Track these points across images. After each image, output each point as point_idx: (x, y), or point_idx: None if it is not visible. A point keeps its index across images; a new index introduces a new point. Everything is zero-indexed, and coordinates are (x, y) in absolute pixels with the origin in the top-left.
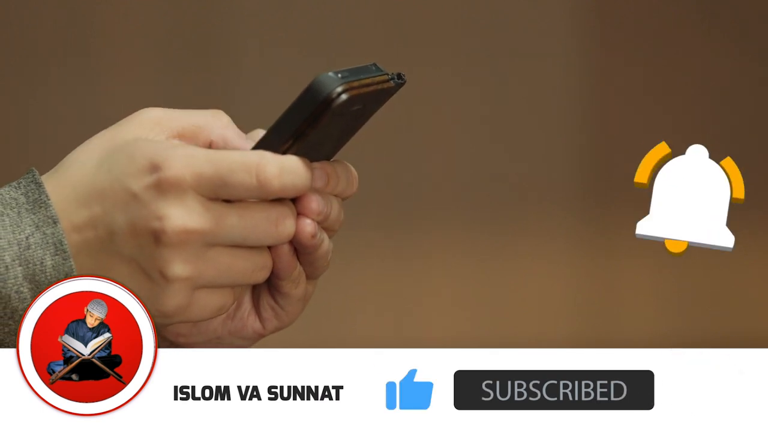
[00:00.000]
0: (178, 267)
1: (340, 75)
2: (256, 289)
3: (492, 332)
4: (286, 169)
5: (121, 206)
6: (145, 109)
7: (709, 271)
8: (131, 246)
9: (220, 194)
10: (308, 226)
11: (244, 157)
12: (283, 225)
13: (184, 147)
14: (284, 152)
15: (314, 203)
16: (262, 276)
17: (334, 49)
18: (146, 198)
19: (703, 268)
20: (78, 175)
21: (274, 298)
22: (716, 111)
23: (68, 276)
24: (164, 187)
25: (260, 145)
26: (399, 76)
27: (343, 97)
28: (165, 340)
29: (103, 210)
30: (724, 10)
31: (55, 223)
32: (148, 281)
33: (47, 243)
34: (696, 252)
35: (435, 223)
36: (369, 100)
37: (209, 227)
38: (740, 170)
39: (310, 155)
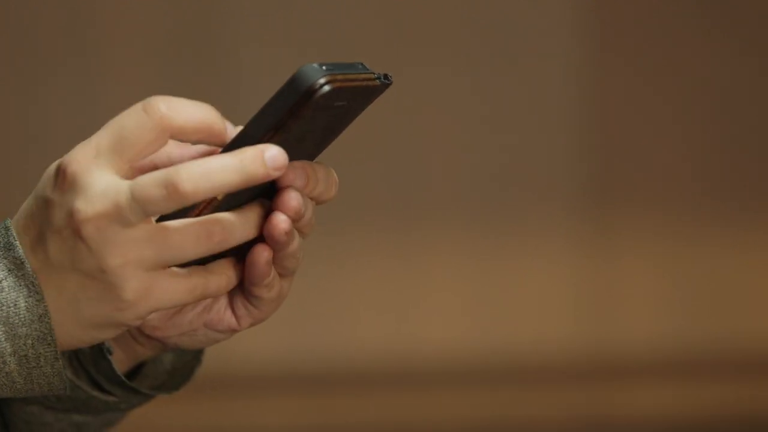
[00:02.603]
0: (110, 256)
1: (324, 67)
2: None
3: (492, 331)
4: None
5: (45, 220)
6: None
7: (709, 271)
8: (64, 255)
9: (125, 154)
10: (282, 222)
11: (133, 109)
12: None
13: (85, 142)
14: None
15: (294, 201)
16: (208, 248)
17: (334, 49)
18: (57, 200)
19: (703, 268)
20: (20, 212)
21: (248, 299)
22: (716, 111)
23: (41, 318)
24: (67, 184)
25: (240, 137)
26: (385, 76)
27: (326, 88)
28: (141, 335)
29: (36, 231)
30: (724, 10)
31: (22, 264)
32: (95, 283)
33: (20, 285)
34: (696, 252)
35: (435, 223)
36: (353, 96)
37: (110, 207)
38: (740, 170)
39: (291, 153)
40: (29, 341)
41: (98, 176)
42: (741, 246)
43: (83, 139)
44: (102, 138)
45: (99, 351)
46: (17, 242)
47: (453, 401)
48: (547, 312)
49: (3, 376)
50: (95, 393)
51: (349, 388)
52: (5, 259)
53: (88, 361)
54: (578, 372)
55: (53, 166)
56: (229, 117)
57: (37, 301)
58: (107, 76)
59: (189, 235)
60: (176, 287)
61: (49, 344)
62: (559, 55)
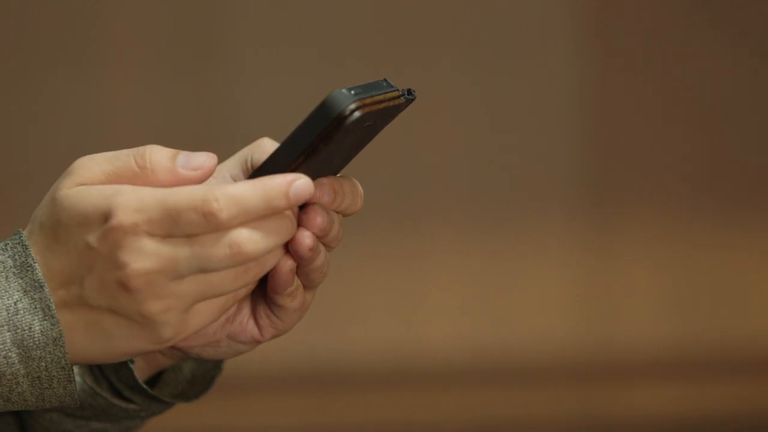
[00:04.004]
0: (153, 306)
1: (353, 92)
2: (254, 297)
3: (492, 332)
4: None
5: (84, 262)
6: (79, 159)
7: (709, 271)
8: (104, 298)
9: (174, 233)
10: (307, 238)
11: (190, 196)
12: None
13: (131, 191)
14: (295, 168)
15: (319, 218)
16: (245, 281)
17: (335, 50)
18: (104, 250)
19: (702, 268)
20: (42, 239)
21: (271, 309)
22: (716, 111)
23: (56, 341)
24: (118, 235)
25: (271, 161)
26: (409, 92)
27: (356, 114)
28: None
29: (69, 269)
30: (725, 10)
31: (41, 287)
32: (133, 324)
33: (35, 308)
34: (696, 252)
35: (435, 224)
36: (380, 116)
37: (166, 266)
38: (740, 170)
39: (319, 171)
40: (43, 364)
41: (150, 238)
42: (741, 246)
43: (83, 139)
44: (155, 212)
45: None
46: (36, 264)
47: (453, 401)
48: (547, 312)
49: (15, 396)
50: (116, 401)
51: (349, 388)
52: (21, 279)
53: (110, 369)
54: (578, 372)
55: (90, 207)
56: (229, 117)
57: (52, 324)
58: (107, 76)
59: (228, 274)
60: (210, 310)
61: (63, 368)
62: (559, 56)
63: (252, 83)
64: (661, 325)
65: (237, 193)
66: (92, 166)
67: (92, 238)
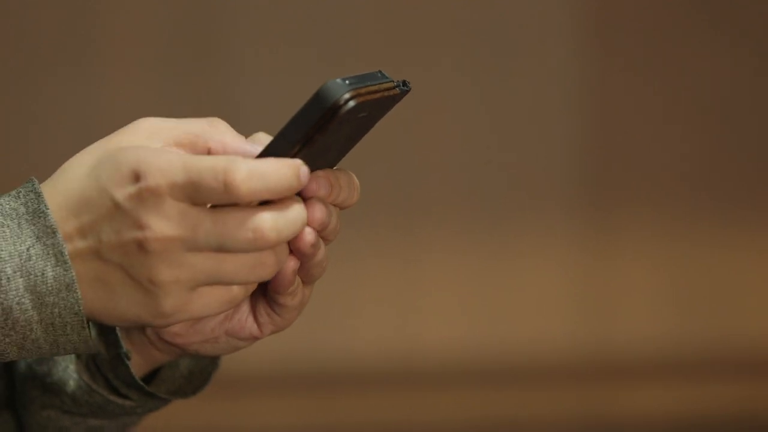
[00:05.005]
0: (164, 273)
1: (347, 81)
2: (253, 294)
3: (492, 331)
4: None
5: (107, 216)
6: (142, 118)
7: (707, 270)
8: (118, 255)
9: (195, 200)
10: (308, 234)
11: (213, 162)
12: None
13: (166, 153)
14: (291, 158)
15: (319, 212)
16: (259, 275)
17: (335, 50)
18: (128, 207)
19: (701, 268)
20: (69, 184)
21: (271, 307)
22: (716, 111)
23: (69, 287)
24: (144, 196)
25: (267, 151)
26: (404, 83)
27: (351, 103)
28: (160, 341)
29: (90, 219)
30: (725, 10)
31: (54, 233)
32: (139, 287)
33: (48, 254)
34: (695, 252)
35: (435, 223)
36: (375, 107)
37: (186, 234)
38: (739, 170)
39: (315, 163)
40: (56, 310)
41: (174, 203)
42: (739, 246)
43: (83, 139)
44: (179, 176)
45: (117, 356)
46: (49, 211)
47: (453, 401)
48: (546, 312)
49: (29, 343)
50: (112, 397)
51: (349, 388)
52: (34, 225)
53: (106, 366)
54: (576, 371)
55: (125, 165)
56: (229, 117)
57: (64, 270)
58: (107, 76)
59: (245, 264)
60: (214, 300)
61: (77, 313)
62: (559, 56)
63: (252, 83)
64: (660, 325)
65: (256, 167)
66: (156, 121)
67: (120, 194)
